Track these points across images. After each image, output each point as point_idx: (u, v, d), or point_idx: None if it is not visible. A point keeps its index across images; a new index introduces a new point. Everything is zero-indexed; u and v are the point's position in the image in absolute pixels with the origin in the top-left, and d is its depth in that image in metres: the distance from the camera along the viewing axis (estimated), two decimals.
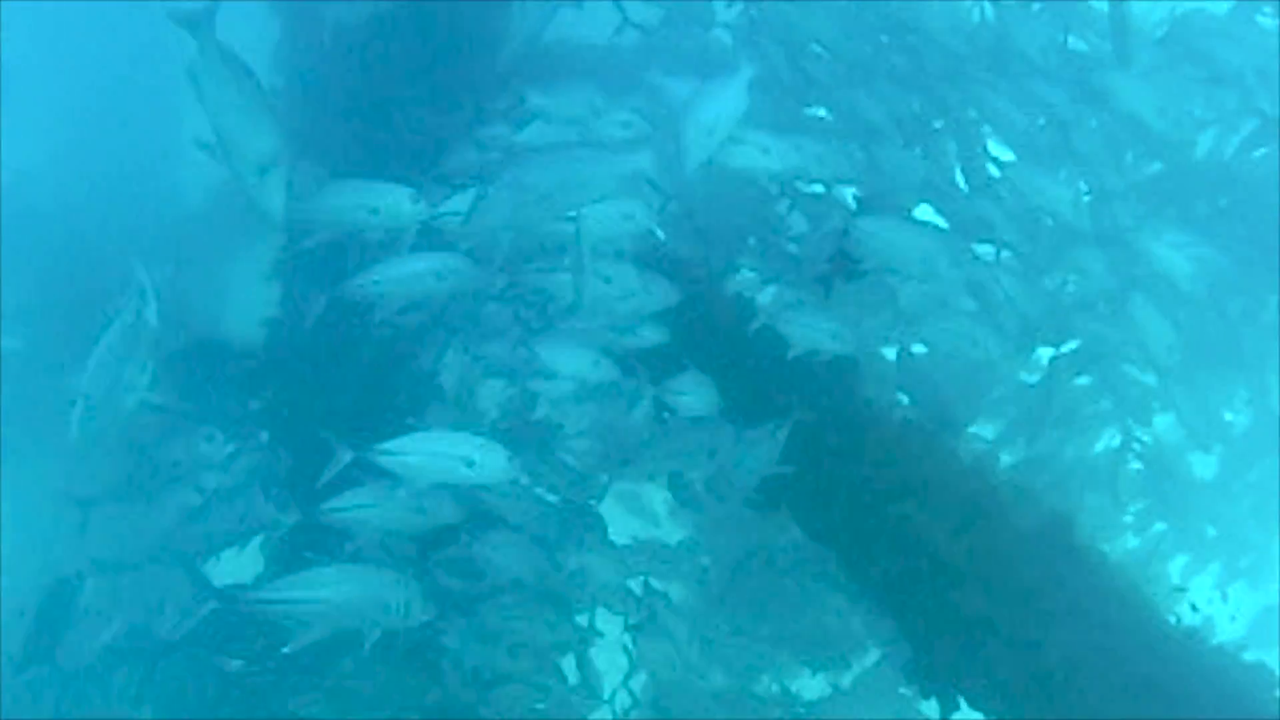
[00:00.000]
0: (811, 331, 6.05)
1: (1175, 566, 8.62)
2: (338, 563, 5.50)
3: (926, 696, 6.18)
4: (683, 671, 6.88)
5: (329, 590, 5.35)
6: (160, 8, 4.85)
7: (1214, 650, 5.52)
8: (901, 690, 6.71)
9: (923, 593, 5.88)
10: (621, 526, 7.45)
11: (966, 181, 7.08)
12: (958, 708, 6.06)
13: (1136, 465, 8.11)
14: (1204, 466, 8.37)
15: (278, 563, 6.26)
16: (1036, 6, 7.10)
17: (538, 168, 5.50)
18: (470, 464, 5.43)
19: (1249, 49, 7.37)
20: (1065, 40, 7.18)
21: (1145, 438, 7.92)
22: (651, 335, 6.05)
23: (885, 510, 5.98)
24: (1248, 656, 5.49)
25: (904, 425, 6.17)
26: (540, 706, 6.61)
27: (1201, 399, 7.78)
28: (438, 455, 5.41)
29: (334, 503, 5.52)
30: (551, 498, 6.53)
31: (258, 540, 6.36)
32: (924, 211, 6.89)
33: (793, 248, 6.78)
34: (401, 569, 5.61)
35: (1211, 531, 8.53)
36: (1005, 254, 6.77)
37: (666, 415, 6.18)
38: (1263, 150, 7.72)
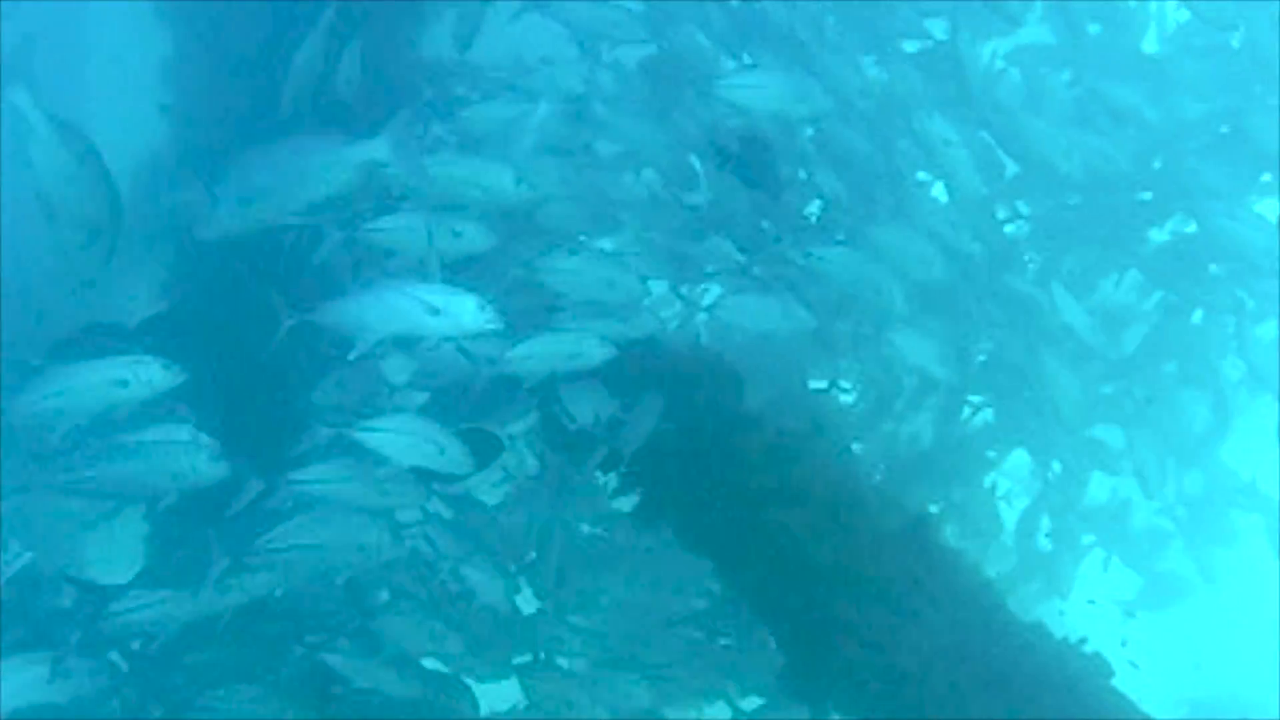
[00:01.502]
0: (764, 315, 6.24)
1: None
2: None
3: (799, 702, 6.29)
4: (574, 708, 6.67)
5: (320, 536, 5.57)
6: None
7: (1056, 644, 5.76)
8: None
9: (791, 597, 6.02)
10: None
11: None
12: (828, 714, 6.17)
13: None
14: None
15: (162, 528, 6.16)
16: None
17: (263, 165, 5.30)
18: (441, 451, 5.52)
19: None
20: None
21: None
22: (647, 325, 6.05)
23: (756, 515, 6.12)
24: (1086, 649, 5.73)
25: (777, 432, 6.31)
26: None
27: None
28: (415, 437, 5.48)
29: (301, 475, 5.51)
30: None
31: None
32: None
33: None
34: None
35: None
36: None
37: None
38: None
